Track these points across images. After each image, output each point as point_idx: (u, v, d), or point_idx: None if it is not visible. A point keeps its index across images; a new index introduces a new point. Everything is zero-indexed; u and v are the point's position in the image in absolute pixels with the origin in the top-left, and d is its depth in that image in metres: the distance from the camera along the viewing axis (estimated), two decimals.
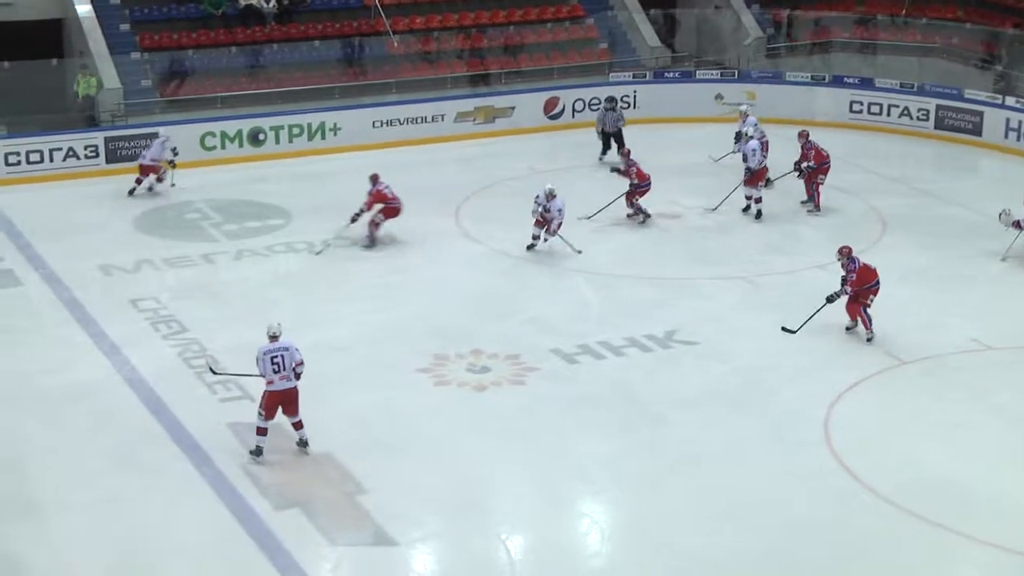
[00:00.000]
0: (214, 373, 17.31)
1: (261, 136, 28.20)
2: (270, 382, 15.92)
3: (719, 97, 30.80)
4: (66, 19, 30.15)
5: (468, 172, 27.52)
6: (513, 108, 30.48)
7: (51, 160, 26.79)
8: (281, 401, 16.01)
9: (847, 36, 33.80)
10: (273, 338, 15.97)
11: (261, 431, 16.05)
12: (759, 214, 24.57)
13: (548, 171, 27.49)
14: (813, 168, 24.90)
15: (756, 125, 26.20)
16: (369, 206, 22.67)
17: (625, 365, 18.88)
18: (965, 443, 16.75)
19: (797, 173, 25.05)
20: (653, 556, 14.50)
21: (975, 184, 26.87)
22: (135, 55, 29.55)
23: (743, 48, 33.50)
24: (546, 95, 30.88)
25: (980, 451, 16.56)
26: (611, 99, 28.38)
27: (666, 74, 32.28)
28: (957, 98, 29.93)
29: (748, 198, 24.75)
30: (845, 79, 31.15)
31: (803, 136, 25.20)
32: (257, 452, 16.03)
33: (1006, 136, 28.97)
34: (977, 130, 29.46)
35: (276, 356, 15.90)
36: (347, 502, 15.27)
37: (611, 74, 31.91)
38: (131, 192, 25.46)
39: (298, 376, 16.02)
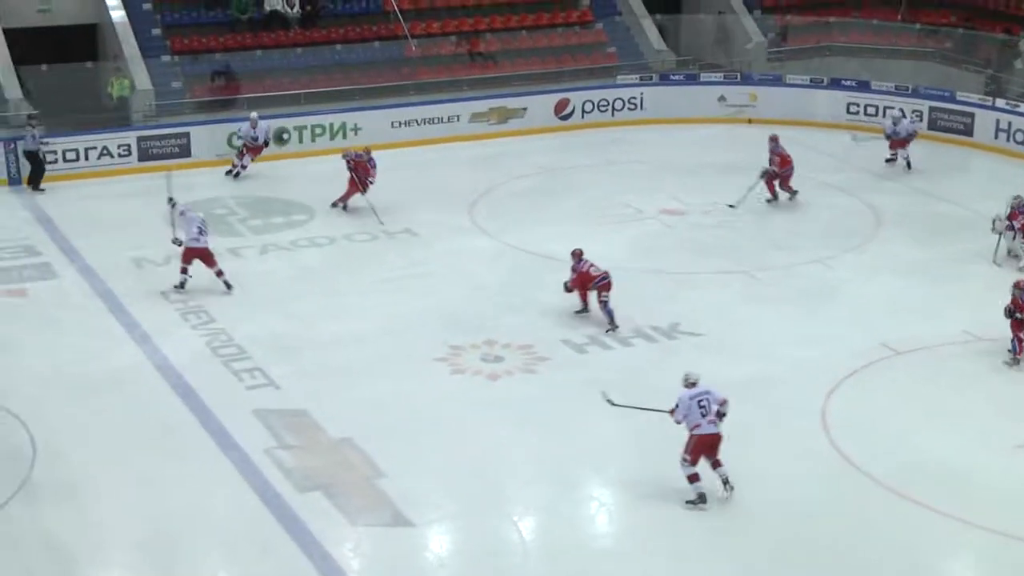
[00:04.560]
0: (612, 404, 15.97)
1: (286, 136, 28.20)
2: (696, 426, 14.85)
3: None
4: (101, 24, 30.20)
5: (482, 170, 27.49)
6: (525, 109, 30.44)
7: (86, 158, 26.83)
8: (708, 445, 14.95)
9: (844, 40, 33.69)
10: (691, 385, 14.96)
11: (693, 478, 14.89)
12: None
13: (560, 169, 27.54)
14: (775, 172, 24.78)
15: None
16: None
17: (632, 355, 18.86)
18: (957, 430, 16.72)
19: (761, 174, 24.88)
20: (658, 537, 14.51)
21: (967, 183, 26.76)
22: (166, 58, 29.58)
23: (745, 52, 33.41)
24: (557, 96, 30.84)
25: (972, 437, 16.52)
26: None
27: (671, 77, 32.21)
28: (949, 100, 29.83)
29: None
30: (842, 82, 31.06)
31: (773, 140, 25.04)
32: (700, 500, 14.81)
33: (996, 136, 28.88)
34: (969, 131, 29.36)
35: (702, 399, 14.86)
36: (367, 485, 15.28)
37: (619, 77, 31.85)
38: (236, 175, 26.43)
39: (722, 416, 14.86)
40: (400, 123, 29.31)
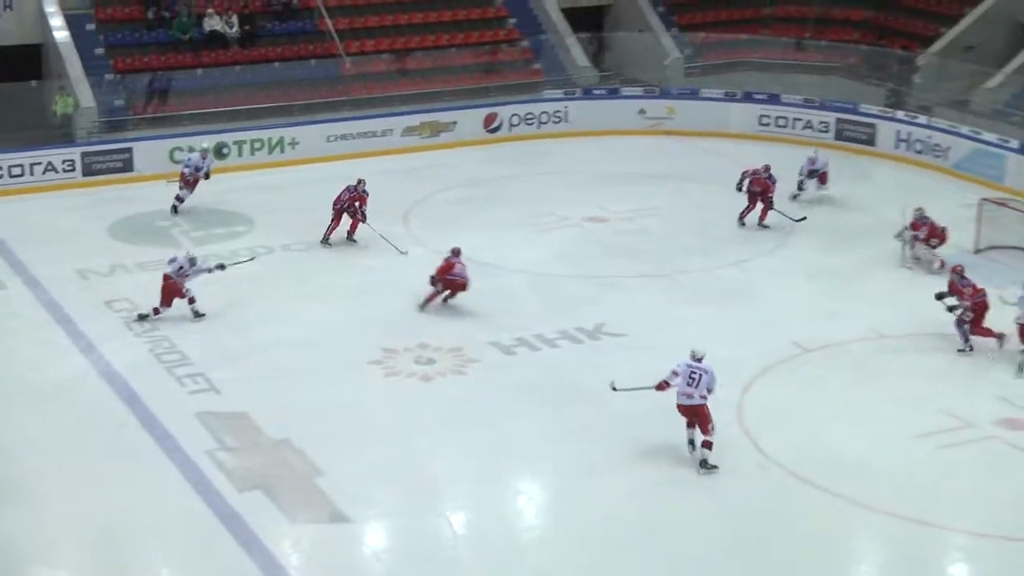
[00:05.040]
0: (615, 390, 16.28)
1: (225, 150, 27.96)
2: (680, 393, 15.51)
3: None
4: (45, 44, 29.79)
5: (415, 182, 27.41)
6: (456, 123, 30.40)
7: (31, 174, 26.47)
8: (685, 413, 15.62)
9: (756, 56, 33.95)
10: (697, 359, 15.57)
11: (692, 442, 15.79)
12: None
13: (489, 179, 27.55)
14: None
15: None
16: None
17: (558, 356, 18.91)
18: (861, 421, 16.93)
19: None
20: (584, 528, 14.56)
21: (870, 190, 27.01)
22: (109, 77, 29.25)
23: (664, 67, 33.60)
24: (485, 111, 30.82)
25: (874, 428, 16.73)
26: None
27: (594, 91, 32.32)
28: (853, 112, 30.16)
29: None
30: (754, 95, 31.29)
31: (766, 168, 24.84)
32: (691, 443, 15.75)
33: (896, 146, 29.24)
34: (871, 140, 29.72)
35: (695, 372, 15.47)
36: (305, 484, 15.22)
37: (544, 92, 31.90)
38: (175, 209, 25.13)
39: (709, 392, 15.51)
40: (336, 137, 29.17)
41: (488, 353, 18.87)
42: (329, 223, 23.19)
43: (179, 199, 25.03)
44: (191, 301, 19.75)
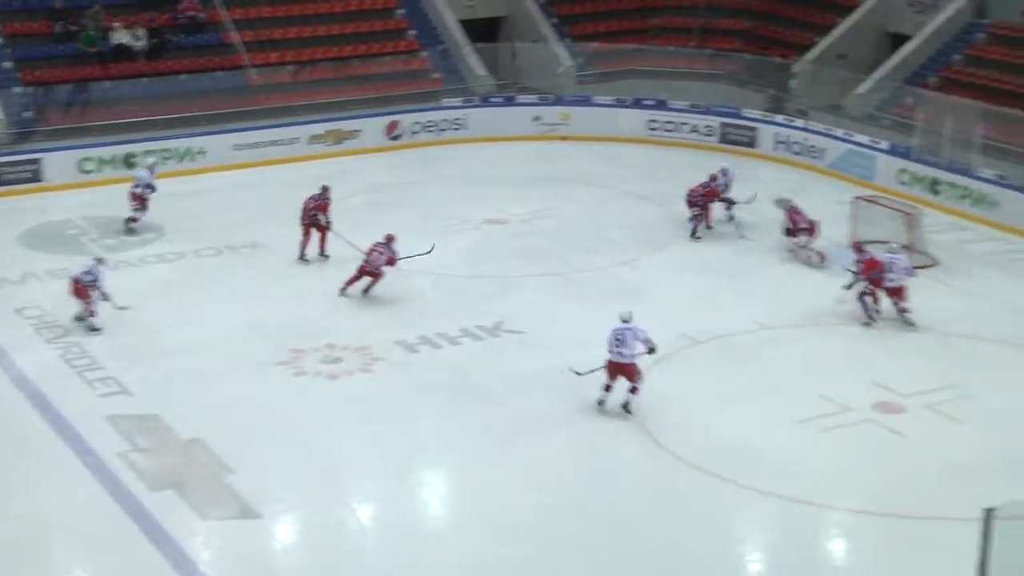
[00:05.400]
0: (579, 375, 16.80)
1: (134, 160, 27.44)
2: (609, 351, 16.30)
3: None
4: None
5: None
6: (359, 131, 30.17)
7: None
8: (611, 369, 16.42)
9: (645, 64, 34.16)
10: (624, 320, 16.46)
11: (605, 389, 16.61)
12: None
13: (392, 185, 27.37)
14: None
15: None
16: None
17: (460, 353, 18.83)
18: (748, 409, 17.07)
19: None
20: (486, 519, 14.50)
21: (754, 189, 27.26)
22: (18, 89, 28.55)
23: (557, 76, 33.66)
24: (387, 119, 30.64)
25: (760, 415, 16.89)
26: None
27: (492, 99, 32.28)
28: (736, 116, 30.51)
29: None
30: (644, 101, 31.49)
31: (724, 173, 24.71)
32: (599, 403, 16.64)
33: (776, 148, 29.64)
34: (753, 143, 30.08)
35: (620, 334, 16.32)
36: (216, 482, 14.97)
37: (444, 100, 31.80)
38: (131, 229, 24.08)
39: (651, 351, 16.54)
40: (243, 146, 28.77)
41: (393, 351, 18.72)
42: (301, 239, 22.48)
43: (133, 220, 23.99)
44: (91, 315, 19.19)
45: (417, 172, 28.46)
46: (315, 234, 22.54)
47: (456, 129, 31.12)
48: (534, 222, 24.94)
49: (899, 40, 32.51)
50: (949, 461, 15.64)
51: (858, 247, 20.44)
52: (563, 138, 31.17)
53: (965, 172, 25.72)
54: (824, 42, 33.36)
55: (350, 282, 20.54)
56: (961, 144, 25.94)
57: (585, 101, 32.02)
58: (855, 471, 15.54)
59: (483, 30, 35.11)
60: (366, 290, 20.67)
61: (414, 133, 30.79)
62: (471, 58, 33.63)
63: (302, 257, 22.38)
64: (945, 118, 26.23)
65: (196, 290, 21.19)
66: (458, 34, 34.08)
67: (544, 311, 20.36)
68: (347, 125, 30.16)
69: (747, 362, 18.56)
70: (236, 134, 28.93)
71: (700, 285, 21.67)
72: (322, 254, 22.54)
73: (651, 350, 16.66)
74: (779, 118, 30.16)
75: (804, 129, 29.40)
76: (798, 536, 14.35)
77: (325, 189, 22.82)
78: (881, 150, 27.63)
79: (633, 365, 16.44)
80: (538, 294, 21.12)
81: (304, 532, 14.42)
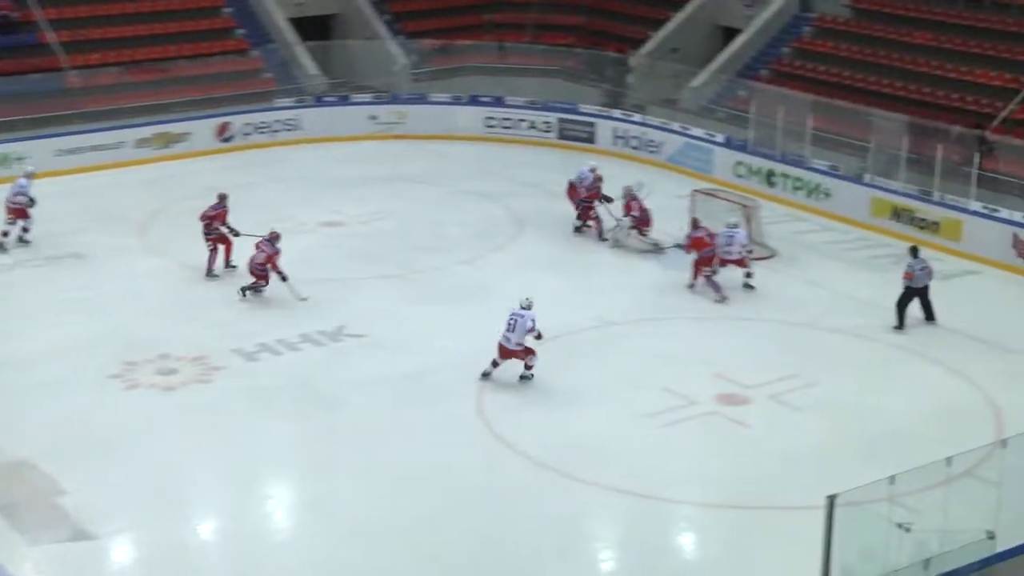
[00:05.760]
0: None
1: None
2: (502, 335, 17.34)
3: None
4: None
5: (150, 193, 26.50)
6: (189, 133, 29.54)
7: None
8: (504, 354, 17.41)
9: (481, 61, 34.28)
10: (524, 308, 17.39)
11: (494, 363, 17.62)
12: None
13: (225, 188, 26.82)
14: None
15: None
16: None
17: (301, 360, 18.58)
18: (593, 405, 17.23)
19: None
20: (331, 528, 14.30)
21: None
22: None
23: (392, 74, 33.53)
24: (218, 120, 30.08)
25: (606, 410, 17.05)
26: None
27: (325, 99, 31.97)
28: (574, 112, 30.83)
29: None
30: (480, 98, 31.59)
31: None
32: (484, 375, 17.67)
33: (614, 143, 30.05)
34: (591, 138, 30.43)
35: (512, 318, 17.31)
36: (46, 504, 14.46)
37: (276, 100, 31.35)
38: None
39: (538, 337, 17.42)
40: (65, 151, 27.88)
41: (231, 360, 18.37)
42: (208, 255, 21.79)
43: (25, 230, 22.86)
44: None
45: (251, 175, 27.98)
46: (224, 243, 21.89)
47: (290, 130, 30.75)
48: (372, 223, 24.77)
49: (731, 33, 33.33)
50: (793, 450, 16.03)
51: (695, 223, 21.81)
52: (399, 137, 31.05)
53: (799, 163, 26.46)
54: (657, 36, 34.01)
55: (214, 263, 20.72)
56: (793, 136, 26.67)
57: (421, 99, 31.98)
58: (701, 464, 15.80)
59: (314, 28, 34.79)
60: (246, 289, 20.43)
61: (246, 135, 30.29)
62: (303, 57, 33.28)
63: (210, 272, 21.69)
64: (777, 110, 26.93)
65: (20, 303, 20.45)
66: (288, 32, 33.73)
67: (386, 313, 20.23)
68: (175, 128, 29.51)
69: (591, 358, 18.73)
70: (57, 139, 28.04)
71: (541, 282, 21.72)
72: (228, 265, 21.90)
73: (538, 336, 17.40)
74: (616, 113, 30.58)
75: (641, 123, 29.87)
76: (646, 532, 14.51)
77: (222, 198, 22.17)
78: (717, 143, 28.24)
79: (518, 351, 17.34)
80: (379, 296, 20.97)
81: (142, 552, 14.00)
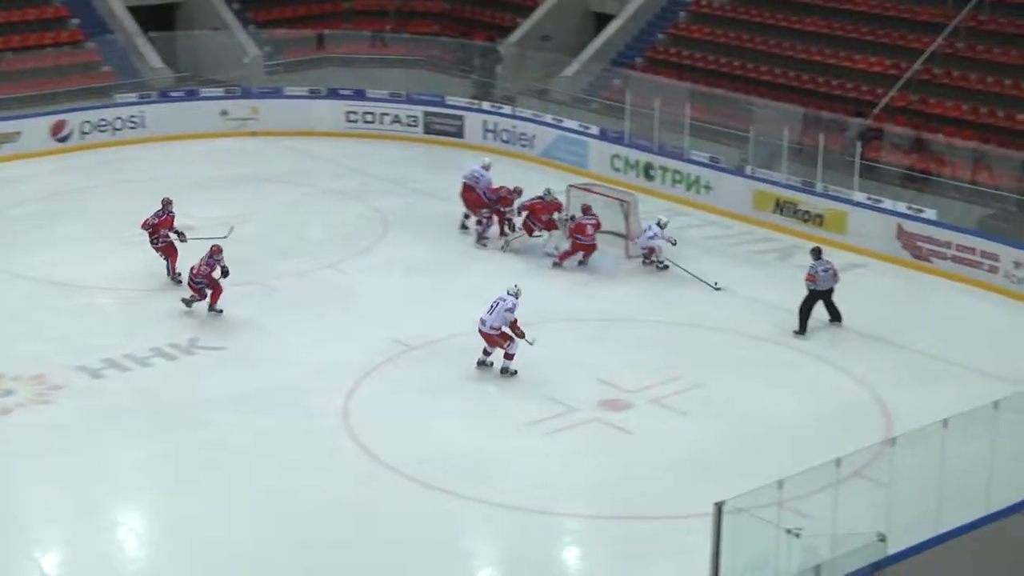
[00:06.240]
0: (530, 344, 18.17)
1: None
2: (480, 318, 18.09)
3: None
4: None
5: None
6: (19, 133, 28.87)
7: None
8: (483, 338, 18.16)
9: (339, 52, 34.15)
10: (513, 296, 18.08)
11: (484, 351, 18.47)
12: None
13: (64, 192, 26.36)
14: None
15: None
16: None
17: (151, 375, 18.33)
18: (471, 415, 17.33)
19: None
20: (190, 553, 14.14)
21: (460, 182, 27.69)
22: None
23: (244, 66, 33.21)
24: (52, 118, 29.46)
25: (484, 421, 17.18)
26: None
27: (171, 94, 31.53)
28: (440, 104, 30.88)
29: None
30: (340, 91, 31.46)
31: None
32: (481, 363, 18.46)
33: (485, 137, 30.19)
34: (460, 133, 30.51)
35: (495, 303, 18.04)
36: None
37: (117, 96, 30.80)
38: None
39: (520, 335, 18.07)
40: None
41: (75, 378, 18.04)
42: (166, 263, 21.48)
43: None
44: None
45: (91, 177, 27.54)
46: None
47: (133, 128, 30.27)
48: (227, 226, 24.45)
49: (603, 20, 33.70)
50: (678, 456, 16.30)
51: (586, 209, 22.80)
52: (253, 134, 30.79)
53: (678, 156, 26.89)
54: (527, 23, 34.25)
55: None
56: (672, 127, 27.07)
57: (276, 93, 31.76)
58: (584, 474, 15.98)
59: (157, 17, 34.29)
60: (209, 308, 20.18)
61: (85, 134, 29.73)
62: (145, 49, 32.78)
63: (174, 277, 21.44)
64: (654, 100, 27.29)
65: None
66: (128, 22, 33.20)
67: (244, 324, 20.05)
68: (4, 127, 28.81)
69: (466, 366, 18.78)
70: None
71: (410, 285, 21.84)
72: (174, 276, 21.52)
73: (520, 334, 18.06)
74: (486, 105, 30.71)
75: (512, 116, 30.05)
76: (531, 548, 14.57)
77: (166, 204, 21.72)
78: (592, 135, 28.54)
79: (493, 336, 18.05)
80: (236, 305, 20.72)
81: None
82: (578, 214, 22.97)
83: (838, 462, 12.24)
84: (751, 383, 18.40)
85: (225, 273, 20.13)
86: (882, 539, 12.09)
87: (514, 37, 33.89)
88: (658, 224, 22.52)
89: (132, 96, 30.85)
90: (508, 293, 18.17)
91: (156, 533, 14.97)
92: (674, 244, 22.60)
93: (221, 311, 20.08)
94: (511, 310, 18.03)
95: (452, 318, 20.18)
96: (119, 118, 30.22)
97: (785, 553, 11.65)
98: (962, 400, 15.12)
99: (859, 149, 24.58)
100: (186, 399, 17.58)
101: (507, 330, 18.12)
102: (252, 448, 16.30)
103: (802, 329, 19.90)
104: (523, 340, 18.13)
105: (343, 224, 24.86)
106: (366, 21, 35.46)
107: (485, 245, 23.69)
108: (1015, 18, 27.45)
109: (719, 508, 11.37)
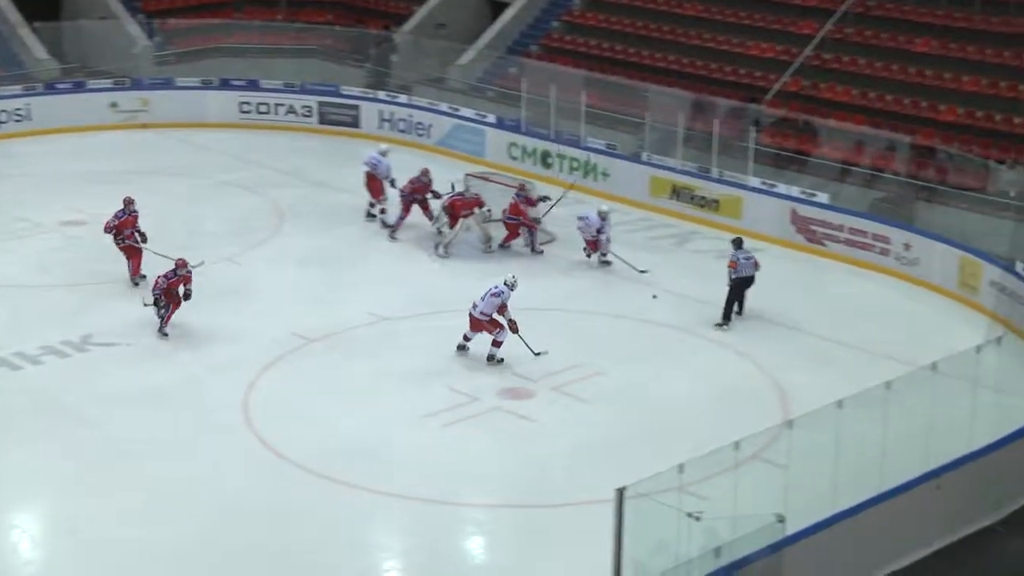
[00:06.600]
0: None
1: None
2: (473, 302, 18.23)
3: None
4: None
5: None
6: None
7: None
8: (471, 324, 18.28)
9: (231, 42, 33.82)
10: (508, 286, 18.16)
11: (465, 337, 18.67)
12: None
13: None
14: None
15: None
16: None
17: (43, 374, 18.06)
18: (371, 407, 17.33)
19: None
20: (89, 555, 13.99)
21: (358, 172, 27.49)
22: None
23: (133, 57, 32.75)
24: None
25: (384, 412, 17.17)
26: None
27: (58, 86, 30.99)
28: (335, 94, 30.75)
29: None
30: (232, 82, 31.18)
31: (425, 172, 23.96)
32: (460, 348, 18.72)
33: (380, 127, 30.13)
34: (355, 122, 30.42)
35: (485, 292, 18.12)
36: None
37: (1, 88, 30.17)
38: None
39: (513, 329, 18.24)
40: None
41: None
42: (128, 264, 21.06)
43: None
44: None
45: None
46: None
47: (18, 121, 29.74)
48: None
49: (498, 8, 33.79)
50: (580, 443, 16.44)
51: (521, 187, 23.09)
52: (144, 126, 30.42)
53: (574, 143, 27.06)
54: (422, 11, 34.24)
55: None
56: (568, 114, 27.25)
57: (167, 84, 31.38)
58: (487, 464, 16.06)
59: (40, 7, 33.62)
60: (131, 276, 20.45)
61: None
62: (28, 39, 32.18)
63: (135, 279, 21.07)
64: (550, 88, 27.46)
65: None
66: (10, 11, 32.62)
67: (139, 319, 19.78)
68: None
69: (366, 357, 18.80)
70: None
71: (308, 277, 21.75)
72: (136, 277, 21.12)
73: (512, 327, 18.21)
74: (381, 94, 30.64)
75: (408, 105, 30.02)
76: (432, 538, 14.64)
77: (127, 203, 21.25)
78: (489, 124, 28.62)
79: (483, 322, 18.17)
80: (130, 301, 20.47)
81: None
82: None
83: (737, 445, 12.48)
84: (651, 369, 18.63)
85: (187, 296, 19.50)
86: (781, 520, 12.34)
87: (409, 25, 33.86)
88: (599, 215, 22.33)
89: (16, 88, 30.28)
90: (505, 283, 18.25)
91: (52, 535, 14.77)
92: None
93: (147, 306, 19.49)
94: (497, 295, 18.10)
95: (352, 309, 20.19)
96: (3, 111, 29.68)
97: (686, 536, 11.86)
98: (856, 381, 15.45)
99: (753, 135, 24.96)
100: (80, 397, 17.35)
101: (498, 317, 18.20)
102: (150, 446, 16.13)
103: (726, 319, 20.03)
104: (531, 351, 18.35)
105: (239, 217, 24.67)
106: (257, 10, 35.15)
107: (396, 239, 23.63)
108: (902, 3, 28.02)
109: (620, 494, 11.53)
